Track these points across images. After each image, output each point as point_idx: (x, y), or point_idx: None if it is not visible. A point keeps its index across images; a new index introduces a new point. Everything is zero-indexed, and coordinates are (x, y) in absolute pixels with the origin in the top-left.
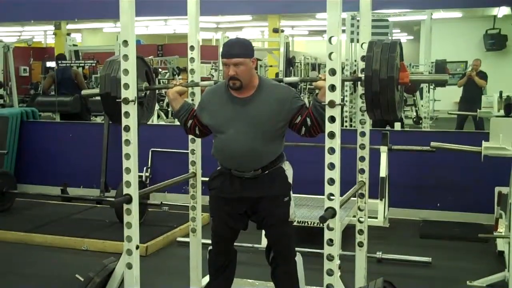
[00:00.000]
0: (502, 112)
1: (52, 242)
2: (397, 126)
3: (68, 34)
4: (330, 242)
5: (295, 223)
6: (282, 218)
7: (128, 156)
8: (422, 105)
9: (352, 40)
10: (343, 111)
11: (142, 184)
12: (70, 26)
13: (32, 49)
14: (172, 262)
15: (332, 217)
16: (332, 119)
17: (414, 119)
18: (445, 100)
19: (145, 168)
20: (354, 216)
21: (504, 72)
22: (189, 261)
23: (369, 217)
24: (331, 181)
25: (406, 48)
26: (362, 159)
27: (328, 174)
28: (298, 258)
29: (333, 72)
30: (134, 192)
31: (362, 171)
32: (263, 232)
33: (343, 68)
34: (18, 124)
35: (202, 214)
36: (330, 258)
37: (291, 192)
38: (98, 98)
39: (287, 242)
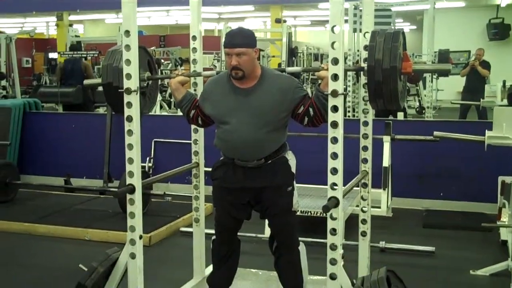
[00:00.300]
0: (505, 102)
1: (55, 233)
2: (400, 115)
3: (70, 25)
4: (333, 231)
5: (298, 213)
6: (285, 208)
7: (130, 146)
8: (425, 95)
9: (354, 30)
10: (345, 101)
11: (145, 175)
12: (72, 17)
13: (35, 40)
14: (175, 252)
15: (335, 206)
16: (335, 109)
17: (417, 109)
18: (448, 89)
19: (148, 159)
20: (357, 206)
21: (507, 62)
22: (192, 251)
23: (372, 207)
24: (334, 171)
25: (409, 38)
26: (365, 148)
27: (331, 163)
28: (302, 248)
29: (335, 61)
30: (137, 182)
31: (365, 160)
32: (266, 221)
33: (345, 58)
34: (21, 115)
35: (205, 204)
36: (333, 247)
37: (294, 182)
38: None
39: (290, 232)
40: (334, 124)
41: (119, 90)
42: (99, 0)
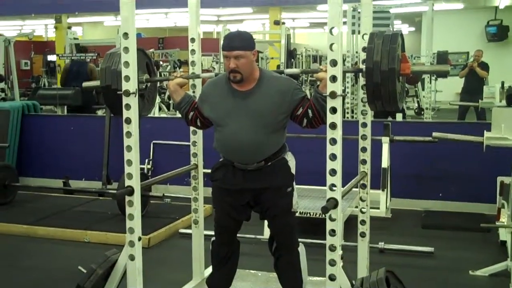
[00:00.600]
0: (504, 103)
1: (54, 235)
2: (399, 117)
3: (69, 28)
4: (333, 232)
5: (297, 214)
6: (285, 209)
7: (129, 148)
8: (424, 96)
9: (353, 32)
10: (344, 102)
11: (144, 176)
12: (71, 20)
13: (33, 42)
14: (174, 253)
15: (334, 207)
16: (334, 110)
17: (416, 110)
18: (446, 91)
19: (146, 160)
20: (356, 207)
21: (505, 63)
22: (192, 253)
23: (371, 208)
24: (333, 172)
25: (407, 40)
26: (364, 149)
27: (330, 165)
28: (301, 249)
29: (334, 63)
30: (136, 184)
31: (364, 161)
32: (266, 222)
33: (344, 60)
34: (19, 117)
35: (204, 206)
36: (333, 248)
37: (294, 183)
38: None
39: (290, 233)
40: (333, 126)
41: (118, 92)
42: (97, 3)
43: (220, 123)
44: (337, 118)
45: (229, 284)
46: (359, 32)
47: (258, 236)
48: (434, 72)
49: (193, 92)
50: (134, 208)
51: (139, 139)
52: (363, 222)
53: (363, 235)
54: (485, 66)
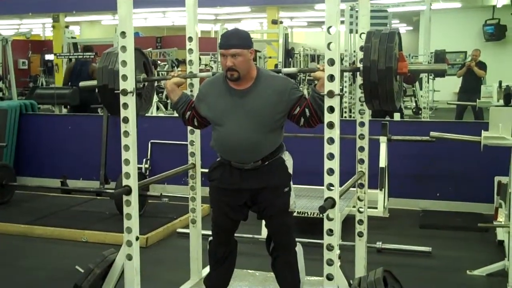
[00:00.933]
0: (501, 102)
1: (52, 234)
2: (397, 116)
3: (67, 27)
4: (330, 232)
5: (295, 214)
6: (282, 209)
7: (127, 148)
8: (421, 96)
9: (351, 31)
10: (342, 101)
11: (141, 176)
12: (69, 19)
13: (31, 42)
14: (172, 253)
15: (332, 207)
16: (331, 109)
17: (414, 110)
18: (444, 90)
19: (144, 160)
20: (354, 206)
21: (503, 62)
22: (189, 252)
23: (369, 207)
24: (331, 171)
25: (405, 39)
26: (362, 149)
27: (327, 164)
28: (299, 248)
29: (331, 62)
30: (133, 183)
31: (361, 161)
32: (263, 222)
33: (342, 59)
34: (17, 116)
35: (202, 205)
36: (330, 248)
37: (291, 183)
38: None
39: (287, 232)
40: (331, 125)
41: (115, 92)
42: (95, 2)
43: (217, 122)
44: (334, 117)
45: (227, 284)
46: (356, 31)
47: (256, 236)
48: (432, 71)
49: (191, 91)
50: (132, 207)
51: (137, 139)
52: (360, 221)
53: (360, 234)
54: (482, 66)
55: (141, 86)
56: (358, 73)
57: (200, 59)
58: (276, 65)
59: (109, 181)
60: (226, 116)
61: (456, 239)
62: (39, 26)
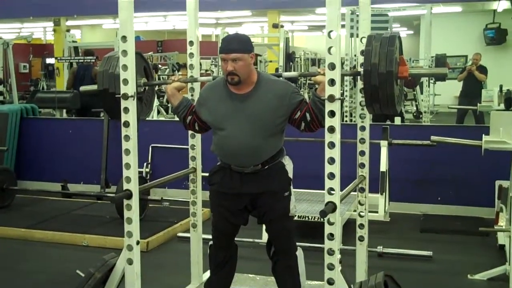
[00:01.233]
0: (502, 106)
1: (52, 238)
2: (397, 120)
3: (68, 31)
4: (331, 236)
5: (295, 218)
6: (282, 213)
7: (128, 152)
8: (422, 100)
9: (352, 35)
10: (342, 106)
11: (142, 180)
12: (70, 23)
13: (32, 45)
14: (173, 257)
15: (333, 211)
16: (332, 114)
17: (414, 114)
18: (445, 94)
19: (145, 164)
20: (355, 211)
21: (504, 66)
22: (190, 256)
23: (370, 212)
24: (331, 176)
25: (406, 43)
26: (362, 153)
27: (328, 168)
28: (299, 253)
29: (332, 66)
30: (134, 187)
31: (362, 165)
32: (264, 227)
33: (342, 63)
34: (18, 120)
35: (202, 209)
36: (331, 252)
37: (291, 187)
38: None
39: (287, 237)
40: (331, 129)
41: (116, 96)
42: (96, 6)
43: (217, 126)
44: (335, 122)
45: None
46: (357, 36)
47: (256, 240)
48: (432, 75)
49: (192, 95)
50: (133, 211)
51: (138, 143)
52: (361, 226)
53: (361, 239)
54: (483, 70)
55: (142, 90)
56: (358, 77)
57: (200, 64)
58: (276, 69)
59: (109, 185)
60: (226, 120)
61: (456, 243)
62: (40, 30)
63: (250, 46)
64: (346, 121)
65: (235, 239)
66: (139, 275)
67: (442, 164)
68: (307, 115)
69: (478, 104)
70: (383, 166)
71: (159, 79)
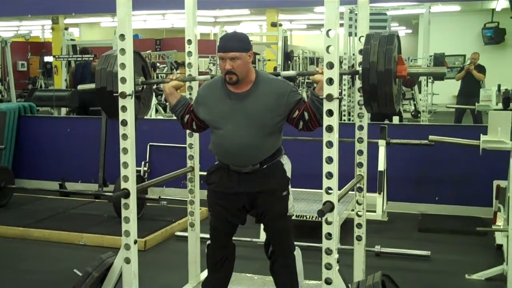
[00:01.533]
0: (500, 106)
1: (50, 237)
2: (395, 119)
3: (66, 29)
4: (329, 236)
5: (293, 217)
6: (280, 212)
7: (125, 151)
8: (420, 99)
9: (350, 34)
10: (341, 105)
11: (140, 179)
12: (68, 21)
13: (30, 43)
14: (170, 256)
15: (331, 211)
16: (330, 113)
17: (413, 113)
18: (443, 93)
19: (143, 163)
20: (353, 210)
21: (502, 66)
22: (188, 256)
23: (368, 211)
24: (329, 175)
25: (404, 42)
26: (360, 152)
27: (326, 168)
28: (297, 252)
29: (330, 65)
30: (132, 186)
31: (360, 164)
32: (262, 226)
33: (341, 62)
34: (16, 119)
35: (200, 209)
36: (329, 252)
37: (289, 186)
38: None
39: (286, 236)
40: (329, 128)
41: (114, 94)
42: (94, 4)
43: (215, 125)
44: (333, 121)
45: (225, 287)
46: (356, 34)
47: (254, 240)
48: (431, 75)
49: (190, 94)
50: (130, 210)
51: (136, 141)
52: (359, 225)
53: (359, 238)
54: (481, 69)
55: (140, 89)
56: (357, 76)
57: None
58: (275, 68)
59: (107, 184)
60: (224, 119)
61: (454, 243)
62: (38, 28)
63: (248, 44)
64: (344, 120)
65: (233, 238)
66: (136, 274)
67: (440, 163)
68: (306, 114)
69: (476, 104)
70: (381, 165)
71: (157, 77)
